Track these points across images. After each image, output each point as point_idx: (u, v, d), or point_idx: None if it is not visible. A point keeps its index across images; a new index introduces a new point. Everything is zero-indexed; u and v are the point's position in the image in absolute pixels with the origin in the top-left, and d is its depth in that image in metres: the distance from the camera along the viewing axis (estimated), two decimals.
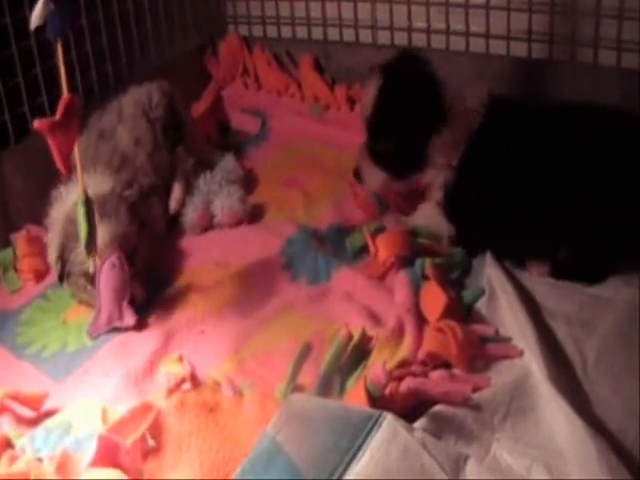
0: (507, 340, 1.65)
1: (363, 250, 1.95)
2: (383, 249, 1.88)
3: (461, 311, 1.73)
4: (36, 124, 1.54)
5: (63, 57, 1.59)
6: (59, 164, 1.59)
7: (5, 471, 1.44)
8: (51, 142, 1.56)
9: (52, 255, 1.95)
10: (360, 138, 2.01)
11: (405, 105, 1.86)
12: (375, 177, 1.98)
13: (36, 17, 1.50)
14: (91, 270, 1.78)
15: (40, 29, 1.54)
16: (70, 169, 1.62)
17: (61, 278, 1.92)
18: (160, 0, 2.67)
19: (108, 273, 1.80)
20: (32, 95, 2.26)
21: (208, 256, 2.03)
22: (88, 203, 1.67)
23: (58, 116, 1.56)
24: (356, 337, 1.64)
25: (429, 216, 1.95)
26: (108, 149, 2.14)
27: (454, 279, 1.85)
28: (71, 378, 1.72)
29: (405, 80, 1.89)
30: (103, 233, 1.82)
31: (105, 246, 1.82)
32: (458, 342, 1.58)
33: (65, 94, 1.58)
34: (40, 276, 2.06)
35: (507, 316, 1.70)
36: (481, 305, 1.76)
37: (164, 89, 2.33)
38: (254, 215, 2.17)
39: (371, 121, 1.94)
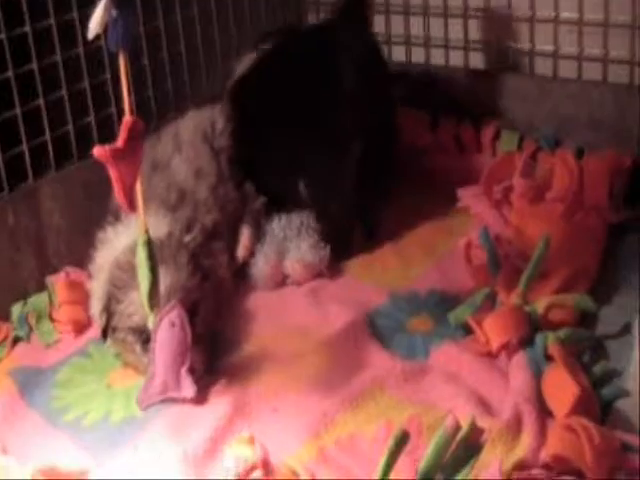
0: None
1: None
2: (494, 336, 1.88)
3: (597, 407, 1.71)
4: (96, 151, 1.59)
5: (126, 72, 1.65)
6: (121, 199, 1.65)
7: None
8: (113, 173, 1.61)
9: (96, 307, 2.00)
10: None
11: None
12: None
13: (96, 24, 1.57)
14: (150, 326, 1.82)
15: None
16: (134, 205, 1.68)
17: (105, 334, 1.96)
18: (230, 5, 2.76)
19: (166, 333, 1.83)
20: (77, 113, 2.34)
21: (282, 318, 2.08)
22: (150, 245, 1.72)
23: (121, 142, 1.62)
24: (465, 428, 1.60)
25: None
26: (163, 183, 2.20)
27: (585, 362, 1.84)
28: (116, 454, 1.75)
29: None
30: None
31: (162, 299, 1.84)
32: (594, 447, 1.55)
33: (128, 116, 1.64)
34: (80, 328, 2.12)
35: None
36: (623, 402, 1.74)
37: (230, 113, 2.37)
38: (335, 269, 2.23)
39: None
